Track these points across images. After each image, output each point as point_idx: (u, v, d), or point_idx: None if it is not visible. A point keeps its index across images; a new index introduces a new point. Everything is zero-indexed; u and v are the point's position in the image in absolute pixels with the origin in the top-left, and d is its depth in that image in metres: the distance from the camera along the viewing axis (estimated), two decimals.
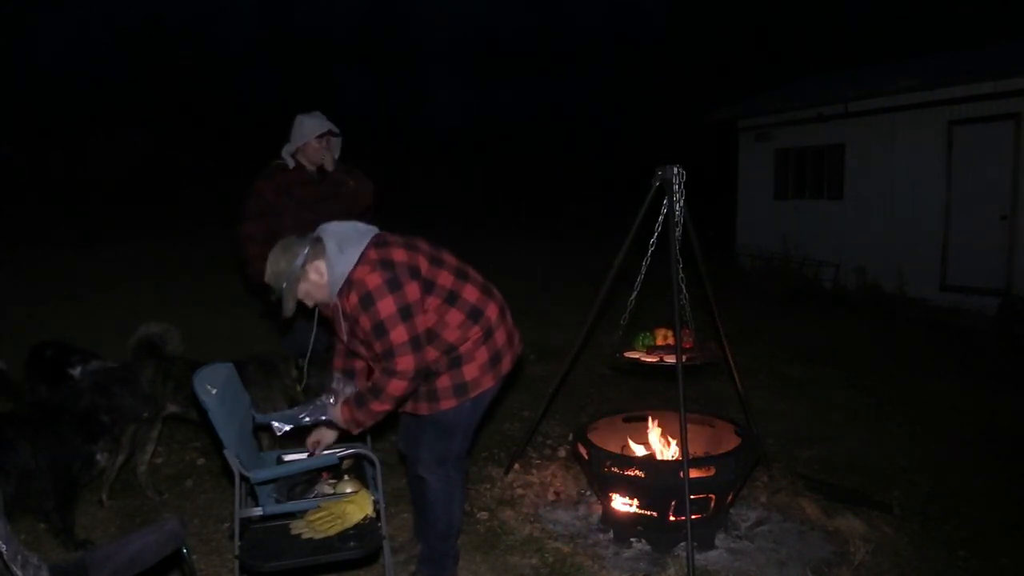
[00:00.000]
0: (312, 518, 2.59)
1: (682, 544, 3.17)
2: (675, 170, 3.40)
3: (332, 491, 2.78)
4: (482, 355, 2.72)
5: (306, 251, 2.55)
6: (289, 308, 2.60)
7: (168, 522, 2.15)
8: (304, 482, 2.87)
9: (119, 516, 3.58)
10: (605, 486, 3.40)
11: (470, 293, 2.67)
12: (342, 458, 2.80)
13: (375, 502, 2.66)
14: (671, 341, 3.48)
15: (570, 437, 4.28)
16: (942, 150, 9.52)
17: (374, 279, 2.46)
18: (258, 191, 4.08)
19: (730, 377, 3.99)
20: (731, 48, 29.13)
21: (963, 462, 4.55)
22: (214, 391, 2.63)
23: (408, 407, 2.77)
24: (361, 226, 2.65)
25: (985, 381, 6.12)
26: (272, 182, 4.07)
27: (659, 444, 3.71)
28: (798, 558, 3.27)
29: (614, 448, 3.57)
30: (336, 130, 4.15)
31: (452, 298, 2.63)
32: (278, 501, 2.76)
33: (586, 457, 3.42)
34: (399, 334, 2.46)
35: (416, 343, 2.49)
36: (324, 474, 2.91)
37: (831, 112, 11.10)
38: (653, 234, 3.50)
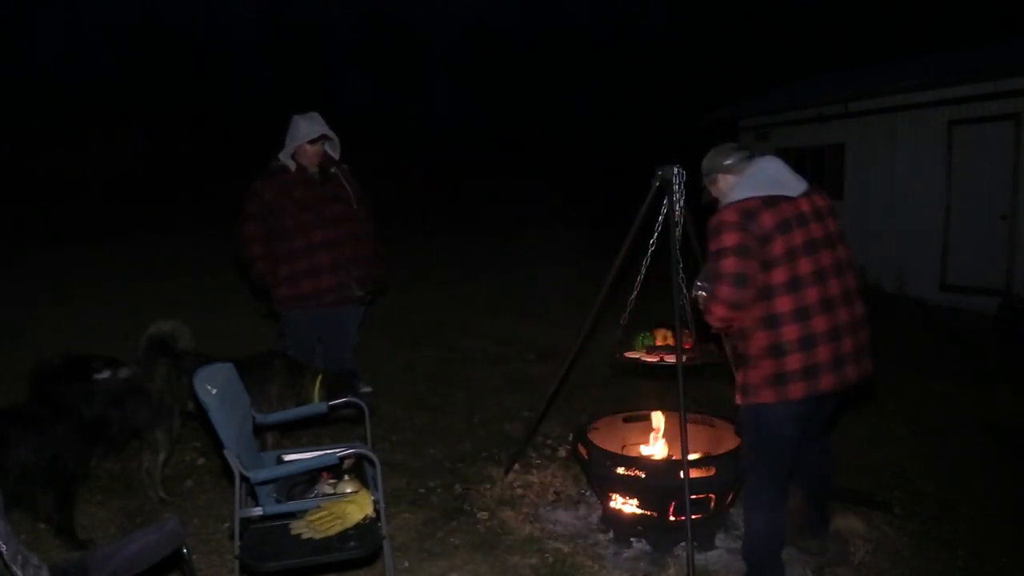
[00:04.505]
0: (312, 518, 2.59)
1: (682, 544, 3.17)
2: (675, 170, 3.40)
3: (332, 491, 2.78)
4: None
5: (730, 161, 2.94)
6: (704, 195, 3.11)
7: (168, 522, 2.15)
8: (304, 482, 2.87)
9: (119, 516, 3.57)
10: (605, 486, 3.40)
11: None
12: (342, 458, 2.80)
13: (375, 502, 2.66)
14: (671, 341, 3.47)
15: (570, 437, 4.27)
16: (942, 150, 9.51)
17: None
18: (256, 192, 4.05)
19: (730, 377, 3.98)
20: (731, 48, 29.15)
21: (963, 462, 4.54)
22: (214, 391, 2.63)
23: None
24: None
25: (985, 381, 6.11)
26: (271, 183, 4.04)
27: (659, 444, 3.71)
28: (798, 558, 3.27)
29: (614, 448, 3.58)
30: (331, 134, 4.09)
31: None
32: (278, 501, 2.76)
33: (586, 457, 3.42)
34: None
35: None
36: (324, 474, 2.91)
37: (831, 112, 11.10)
38: (653, 234, 3.50)
